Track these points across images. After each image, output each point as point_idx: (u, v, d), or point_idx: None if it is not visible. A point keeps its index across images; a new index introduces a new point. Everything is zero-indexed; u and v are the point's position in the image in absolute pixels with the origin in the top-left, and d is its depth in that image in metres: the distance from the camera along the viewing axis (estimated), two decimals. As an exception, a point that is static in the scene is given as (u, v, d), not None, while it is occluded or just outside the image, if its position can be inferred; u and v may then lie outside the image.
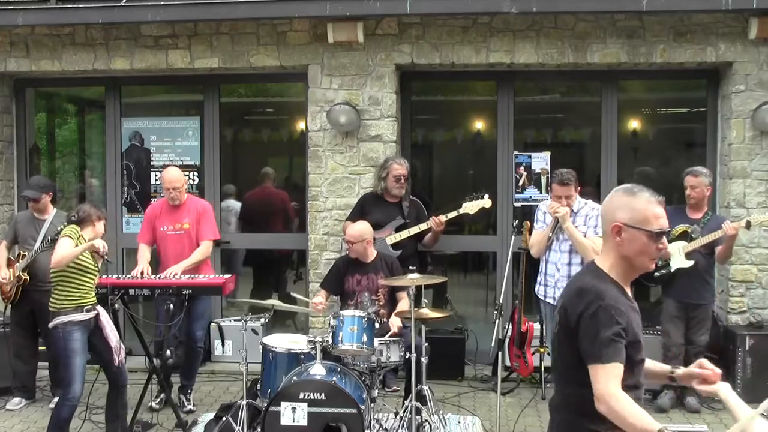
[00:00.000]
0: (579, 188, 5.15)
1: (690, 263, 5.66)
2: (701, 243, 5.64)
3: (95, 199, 7.78)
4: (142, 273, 5.42)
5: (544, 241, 5.19)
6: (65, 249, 4.63)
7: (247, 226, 7.70)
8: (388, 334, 5.03)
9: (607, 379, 2.30)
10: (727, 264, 6.23)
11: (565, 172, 5.00)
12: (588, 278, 2.49)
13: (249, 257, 7.87)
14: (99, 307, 4.80)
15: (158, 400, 5.61)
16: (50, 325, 4.74)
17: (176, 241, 5.72)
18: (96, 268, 4.85)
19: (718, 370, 2.52)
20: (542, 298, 5.17)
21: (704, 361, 2.57)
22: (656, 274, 5.86)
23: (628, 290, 2.52)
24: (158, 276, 5.44)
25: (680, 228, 5.78)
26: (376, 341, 4.81)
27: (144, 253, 5.73)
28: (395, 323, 5.15)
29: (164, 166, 7.21)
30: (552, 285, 5.06)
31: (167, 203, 5.80)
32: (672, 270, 5.72)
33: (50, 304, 4.76)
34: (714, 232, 5.58)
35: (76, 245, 4.67)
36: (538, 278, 5.22)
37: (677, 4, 6.12)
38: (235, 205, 7.69)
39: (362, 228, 5.55)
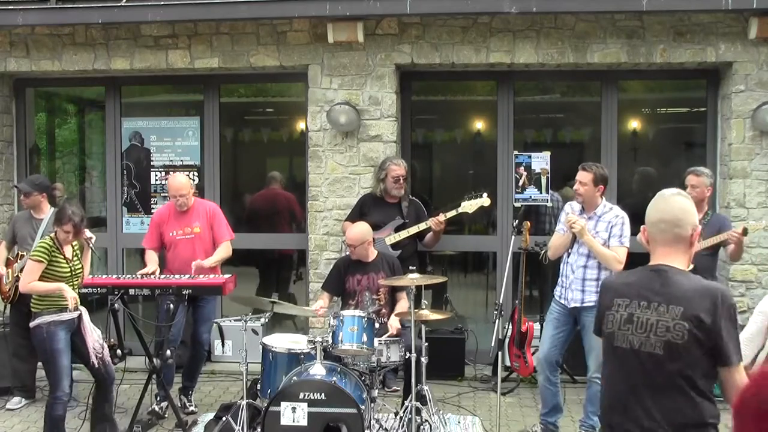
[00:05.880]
0: (602, 188, 5.06)
1: (689, 267, 5.63)
2: (701, 246, 5.62)
3: (95, 198, 7.78)
4: (152, 273, 5.38)
5: (561, 249, 5.14)
6: (31, 282, 4.68)
7: (253, 227, 7.66)
8: (386, 335, 5.03)
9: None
10: (727, 264, 6.23)
11: (591, 163, 5.07)
12: (701, 281, 2.69)
13: (247, 257, 7.85)
14: (81, 308, 4.82)
15: (161, 406, 5.59)
16: (31, 324, 4.75)
17: (187, 245, 5.68)
18: (77, 271, 4.84)
19: None
20: (557, 298, 5.15)
21: None
22: None
23: None
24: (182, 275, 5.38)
25: None
26: (376, 341, 4.81)
27: (153, 257, 5.68)
28: (394, 325, 5.14)
29: (164, 166, 7.22)
30: (566, 287, 5.03)
31: (174, 208, 5.75)
32: None
33: (32, 305, 4.78)
34: (714, 237, 5.57)
35: (49, 261, 4.68)
36: (558, 279, 5.24)
37: (677, 4, 6.12)
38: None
39: (362, 230, 5.53)
